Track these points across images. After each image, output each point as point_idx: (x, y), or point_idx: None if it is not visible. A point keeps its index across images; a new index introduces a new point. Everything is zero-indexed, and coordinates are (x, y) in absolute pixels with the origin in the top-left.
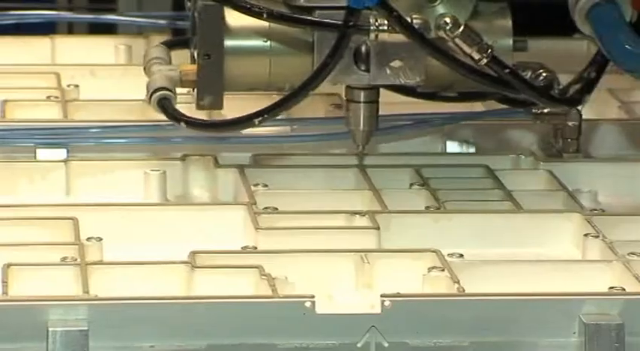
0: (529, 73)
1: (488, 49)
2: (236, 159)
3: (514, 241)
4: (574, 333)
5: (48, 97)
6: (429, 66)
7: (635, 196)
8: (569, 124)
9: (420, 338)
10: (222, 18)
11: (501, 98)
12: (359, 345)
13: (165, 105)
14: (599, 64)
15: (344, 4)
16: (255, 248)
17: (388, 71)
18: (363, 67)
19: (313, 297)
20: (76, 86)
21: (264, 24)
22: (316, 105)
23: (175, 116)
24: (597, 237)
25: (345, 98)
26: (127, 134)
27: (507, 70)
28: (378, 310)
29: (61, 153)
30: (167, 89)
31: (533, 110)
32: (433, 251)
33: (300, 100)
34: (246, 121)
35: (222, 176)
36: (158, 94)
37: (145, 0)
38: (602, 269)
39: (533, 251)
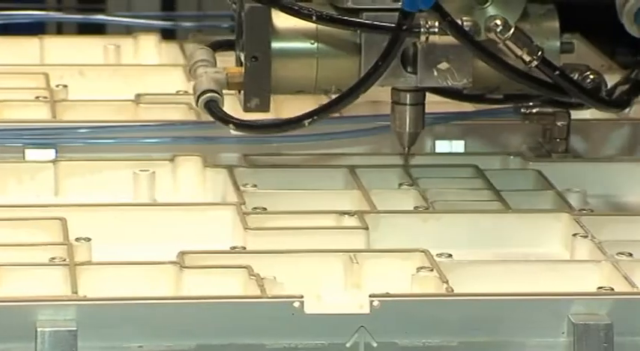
0: (576, 75)
1: (538, 52)
2: (225, 159)
3: (503, 241)
4: (563, 333)
5: (37, 97)
6: (476, 68)
7: (624, 196)
8: (558, 124)
9: (409, 338)
10: (269, 20)
11: (547, 100)
12: (348, 345)
13: (213, 107)
14: None
15: (390, 5)
16: (244, 248)
17: (435, 73)
18: (410, 69)
19: (302, 297)
20: (65, 86)
21: (311, 26)
22: (305, 105)
23: (224, 118)
24: (586, 237)
25: (391, 100)
26: (116, 134)
27: (558, 73)
28: (366, 310)
29: (49, 153)
30: (214, 91)
31: (522, 110)
32: (422, 251)
33: (351, 102)
34: (296, 122)
35: (211, 176)
36: (205, 96)
37: (134, 0)
38: (591, 269)
39: (522, 251)
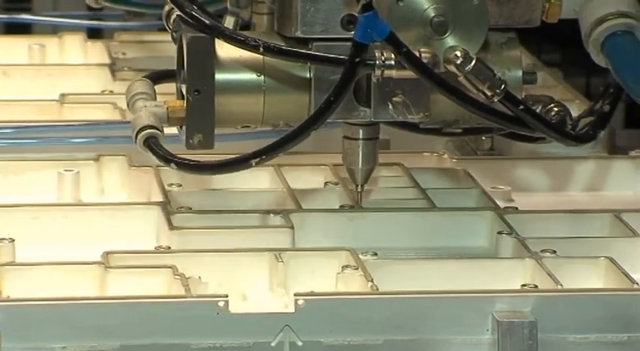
0: (539, 107)
1: (501, 85)
2: (150, 159)
3: (428, 239)
4: (487, 330)
5: None
6: (433, 101)
7: (548, 194)
8: None
9: (334, 336)
10: (213, 50)
11: (508, 133)
12: (273, 344)
13: (153, 144)
14: (613, 97)
15: (342, 34)
16: (169, 248)
17: (390, 107)
18: (363, 103)
19: (227, 297)
20: None
21: (257, 57)
22: None
23: (165, 157)
24: (510, 234)
25: (343, 136)
26: (41, 134)
27: (521, 107)
28: (291, 309)
29: None
30: (154, 127)
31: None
32: (347, 250)
33: (302, 140)
34: (243, 161)
35: (136, 176)
36: (144, 133)
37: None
38: (515, 266)
39: (447, 249)
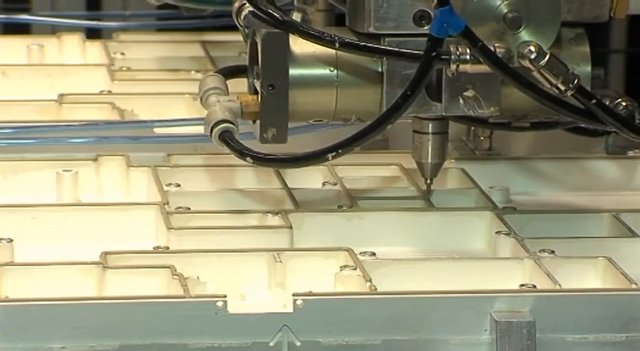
0: (607, 102)
1: (574, 80)
2: (149, 159)
3: (427, 239)
4: (485, 330)
5: None
6: (503, 95)
7: (547, 194)
8: None
9: (333, 337)
10: (287, 46)
11: (574, 127)
12: (271, 344)
13: (229, 138)
14: None
15: (414, 30)
16: (167, 248)
17: (462, 102)
18: (434, 97)
19: (225, 297)
20: None
21: (330, 52)
22: None
23: (241, 151)
24: (509, 234)
25: (412, 129)
26: (39, 134)
27: (594, 101)
28: (290, 309)
29: None
30: (229, 121)
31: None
32: (345, 250)
33: (377, 134)
34: (319, 155)
35: (134, 176)
36: (220, 127)
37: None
38: (514, 267)
39: (446, 249)
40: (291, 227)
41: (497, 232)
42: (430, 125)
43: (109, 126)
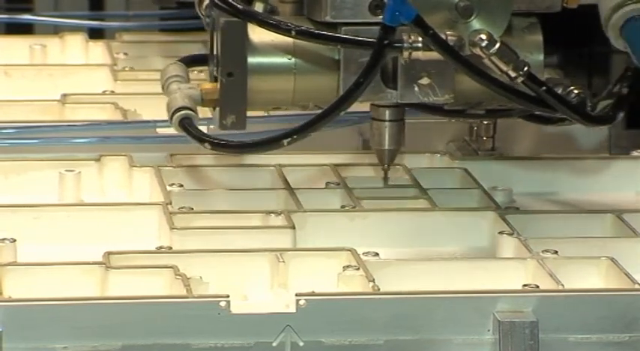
0: (560, 89)
1: (524, 67)
2: (151, 159)
3: (429, 240)
4: (488, 330)
5: None
6: (458, 83)
7: (549, 194)
8: (484, 122)
9: (335, 337)
10: (246, 35)
11: (528, 115)
12: (274, 344)
13: (188, 125)
14: (631, 80)
15: (370, 19)
16: (170, 248)
17: (417, 89)
18: (390, 85)
19: (228, 297)
20: None
21: (288, 40)
22: None
23: (199, 137)
24: (512, 235)
25: (370, 117)
26: (42, 135)
27: (544, 88)
28: (293, 309)
29: None
30: (189, 108)
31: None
32: (348, 250)
33: (331, 120)
34: (275, 141)
35: (137, 176)
36: (179, 114)
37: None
38: (517, 267)
39: (449, 249)
40: (293, 227)
41: (500, 233)
42: (387, 112)
43: (111, 126)
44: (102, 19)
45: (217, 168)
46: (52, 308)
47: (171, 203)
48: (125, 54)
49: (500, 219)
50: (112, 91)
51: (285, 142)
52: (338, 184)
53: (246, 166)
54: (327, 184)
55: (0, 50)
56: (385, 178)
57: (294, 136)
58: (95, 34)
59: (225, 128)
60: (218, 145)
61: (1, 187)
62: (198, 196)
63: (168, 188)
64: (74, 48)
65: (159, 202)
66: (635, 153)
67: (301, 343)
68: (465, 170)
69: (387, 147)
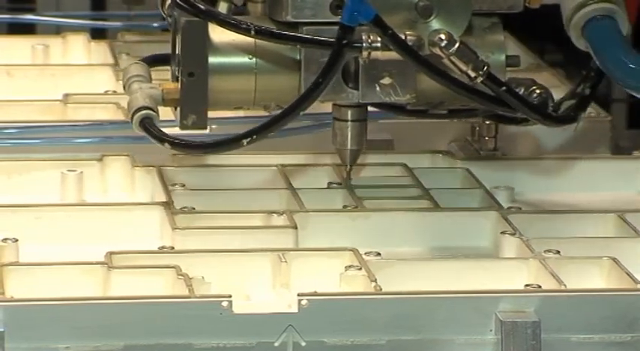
0: (522, 90)
1: (484, 67)
2: (154, 159)
3: (431, 240)
4: (490, 330)
5: None
6: (419, 83)
7: (552, 194)
8: (487, 122)
9: (338, 337)
10: (207, 35)
11: (492, 115)
12: (276, 344)
13: (148, 125)
14: (593, 80)
15: (331, 19)
16: (172, 248)
17: (378, 89)
18: (351, 85)
19: (230, 297)
20: None
21: (249, 40)
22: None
23: (159, 137)
24: (514, 235)
25: (332, 117)
26: (44, 135)
27: (504, 88)
28: (295, 309)
29: None
30: (149, 108)
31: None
32: (350, 250)
33: (291, 119)
34: (234, 141)
35: (139, 176)
36: (140, 113)
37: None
38: (519, 267)
39: (451, 249)
40: (296, 227)
41: (502, 232)
42: (349, 112)
43: (113, 126)
44: (104, 19)
45: (219, 168)
46: (54, 308)
47: (173, 203)
48: (127, 54)
49: (502, 219)
50: (114, 91)
51: (244, 141)
52: (340, 184)
53: (249, 165)
54: (329, 184)
55: (2, 50)
56: (347, 179)
57: (254, 136)
58: (97, 34)
59: (186, 128)
60: (178, 145)
61: (3, 187)
62: (201, 196)
63: (171, 188)
64: (76, 48)
65: (161, 202)
66: (637, 153)
67: (303, 343)
68: (467, 170)
69: (349, 147)
